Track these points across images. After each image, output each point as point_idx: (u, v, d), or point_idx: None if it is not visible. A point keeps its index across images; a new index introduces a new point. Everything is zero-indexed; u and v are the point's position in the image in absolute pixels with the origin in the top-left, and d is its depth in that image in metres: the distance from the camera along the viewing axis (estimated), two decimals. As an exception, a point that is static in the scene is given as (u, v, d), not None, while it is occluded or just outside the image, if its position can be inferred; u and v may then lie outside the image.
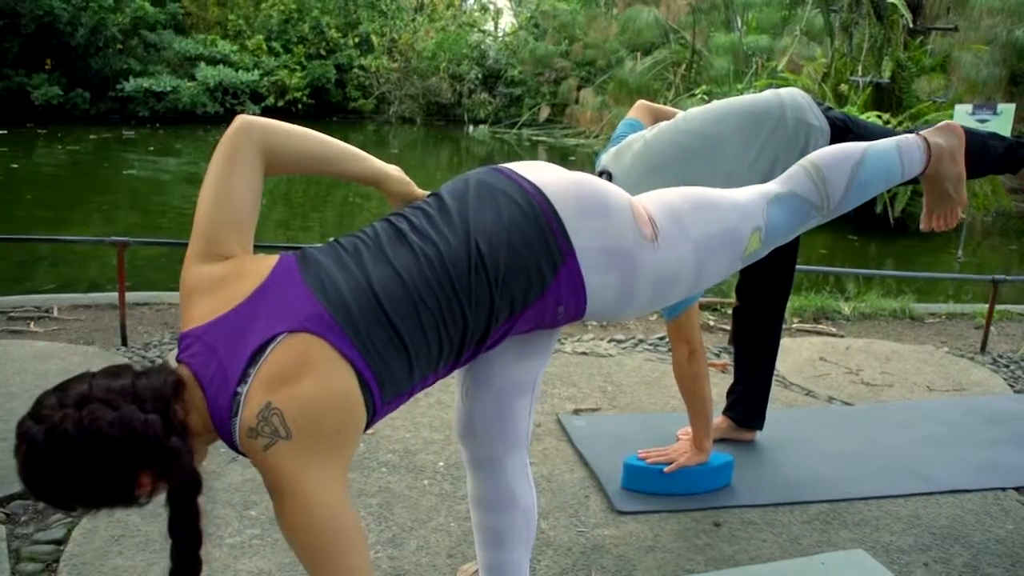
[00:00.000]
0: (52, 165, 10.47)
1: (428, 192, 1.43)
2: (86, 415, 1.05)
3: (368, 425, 1.19)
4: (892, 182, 1.63)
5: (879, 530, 2.23)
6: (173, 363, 1.20)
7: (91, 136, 12.71)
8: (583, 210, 1.35)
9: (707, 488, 2.37)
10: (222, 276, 1.22)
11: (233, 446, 1.15)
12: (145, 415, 1.07)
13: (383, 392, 1.19)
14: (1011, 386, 3.49)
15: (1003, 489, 2.50)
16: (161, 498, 1.14)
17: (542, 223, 1.31)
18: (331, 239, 1.34)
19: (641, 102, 2.47)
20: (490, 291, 1.27)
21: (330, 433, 1.12)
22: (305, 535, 1.10)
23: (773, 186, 1.58)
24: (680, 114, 2.29)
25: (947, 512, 2.35)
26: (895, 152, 1.61)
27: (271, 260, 1.24)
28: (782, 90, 2.26)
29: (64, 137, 12.36)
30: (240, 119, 1.31)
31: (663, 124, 2.23)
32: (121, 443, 1.06)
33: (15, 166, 10.00)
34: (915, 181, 1.83)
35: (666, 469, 2.33)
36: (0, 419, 2.57)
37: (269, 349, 1.13)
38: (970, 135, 1.82)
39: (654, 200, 1.47)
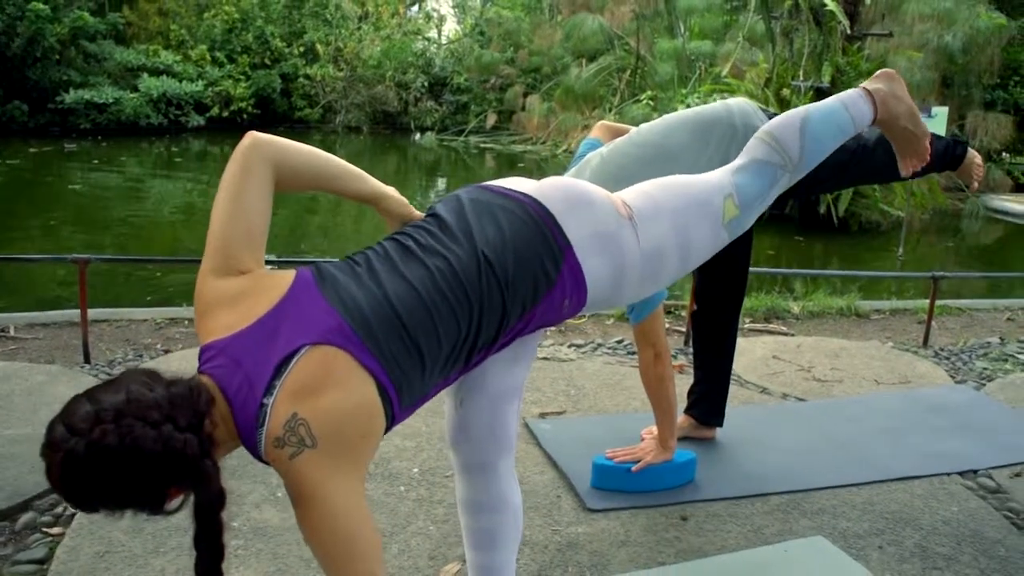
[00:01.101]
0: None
1: (424, 213, 1.50)
2: (126, 431, 1.06)
3: (385, 432, 1.25)
4: (846, 132, 1.71)
5: (836, 517, 2.35)
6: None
7: (31, 150, 12.40)
8: (570, 204, 1.45)
9: (673, 484, 2.46)
10: (241, 290, 1.26)
11: (256, 454, 1.20)
12: (183, 434, 1.10)
13: (401, 400, 1.26)
14: (952, 377, 3.66)
15: (948, 474, 2.65)
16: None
17: (540, 224, 1.40)
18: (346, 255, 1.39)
19: (601, 122, 2.58)
20: (502, 295, 1.34)
21: (353, 442, 1.17)
22: (331, 539, 1.16)
23: (735, 161, 1.69)
24: (633, 129, 2.40)
25: (898, 498, 2.48)
26: (839, 105, 1.71)
27: (289, 275, 1.29)
28: (729, 100, 2.39)
29: (2, 151, 12.04)
30: (251, 136, 1.34)
31: (618, 140, 2.35)
32: (159, 462, 1.08)
33: (-49, 182, 9.75)
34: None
35: (634, 468, 2.42)
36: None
37: (293, 361, 1.18)
38: None
39: (626, 190, 1.59)
